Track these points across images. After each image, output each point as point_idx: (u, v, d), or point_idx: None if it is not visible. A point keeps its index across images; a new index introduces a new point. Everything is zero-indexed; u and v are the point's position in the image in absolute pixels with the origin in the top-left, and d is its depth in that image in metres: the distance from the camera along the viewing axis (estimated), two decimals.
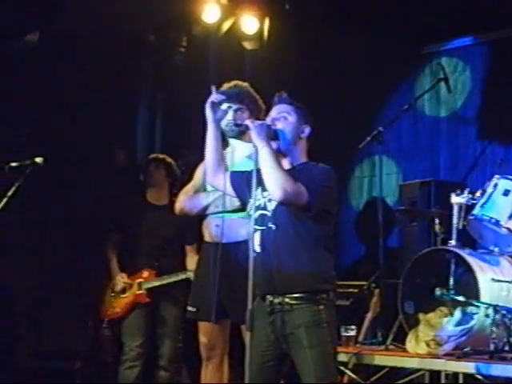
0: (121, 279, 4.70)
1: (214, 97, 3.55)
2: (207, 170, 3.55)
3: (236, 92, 3.92)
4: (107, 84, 5.83)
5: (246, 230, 3.61)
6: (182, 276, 4.57)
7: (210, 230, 4.03)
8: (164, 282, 4.60)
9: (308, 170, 3.33)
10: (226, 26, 6.05)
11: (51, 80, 5.59)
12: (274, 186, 3.22)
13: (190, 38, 6.16)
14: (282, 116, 3.39)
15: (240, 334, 3.86)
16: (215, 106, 3.53)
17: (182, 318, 4.78)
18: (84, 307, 5.38)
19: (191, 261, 4.73)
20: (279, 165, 3.25)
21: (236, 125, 3.48)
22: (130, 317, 4.74)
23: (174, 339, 4.75)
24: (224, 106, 3.90)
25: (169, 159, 4.99)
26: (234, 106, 3.89)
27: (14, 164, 4.26)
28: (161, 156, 5.06)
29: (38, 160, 4.31)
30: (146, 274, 4.62)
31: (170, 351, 4.73)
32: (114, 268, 4.81)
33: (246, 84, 4.00)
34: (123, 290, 4.73)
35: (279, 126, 3.34)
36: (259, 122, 3.35)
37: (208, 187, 3.90)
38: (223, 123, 3.64)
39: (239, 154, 3.83)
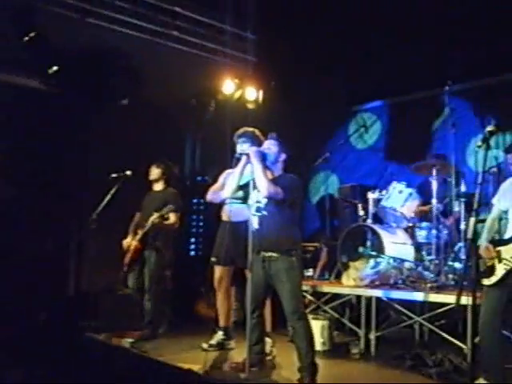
0: None
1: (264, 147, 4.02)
2: (227, 191, 4.22)
3: (242, 133, 4.78)
4: (167, 132, 6.69)
5: (247, 213, 4.23)
6: None
7: (227, 213, 4.93)
8: None
9: (283, 178, 3.97)
10: (237, 94, 7.09)
11: (136, 129, 6.31)
12: (262, 187, 3.82)
13: (216, 101, 7.07)
14: (269, 147, 4.04)
15: (244, 274, 4.54)
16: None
17: None
18: None
19: None
20: (266, 175, 3.84)
21: (240, 154, 4.09)
22: None
23: None
24: (239, 142, 4.71)
25: None
26: (241, 140, 4.72)
27: (113, 175, 5.11)
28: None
29: (128, 173, 5.14)
30: None
31: None
32: None
33: (251, 129, 4.78)
34: None
35: (267, 152, 4.01)
36: (256, 148, 4.01)
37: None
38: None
39: (246, 171, 4.25)
